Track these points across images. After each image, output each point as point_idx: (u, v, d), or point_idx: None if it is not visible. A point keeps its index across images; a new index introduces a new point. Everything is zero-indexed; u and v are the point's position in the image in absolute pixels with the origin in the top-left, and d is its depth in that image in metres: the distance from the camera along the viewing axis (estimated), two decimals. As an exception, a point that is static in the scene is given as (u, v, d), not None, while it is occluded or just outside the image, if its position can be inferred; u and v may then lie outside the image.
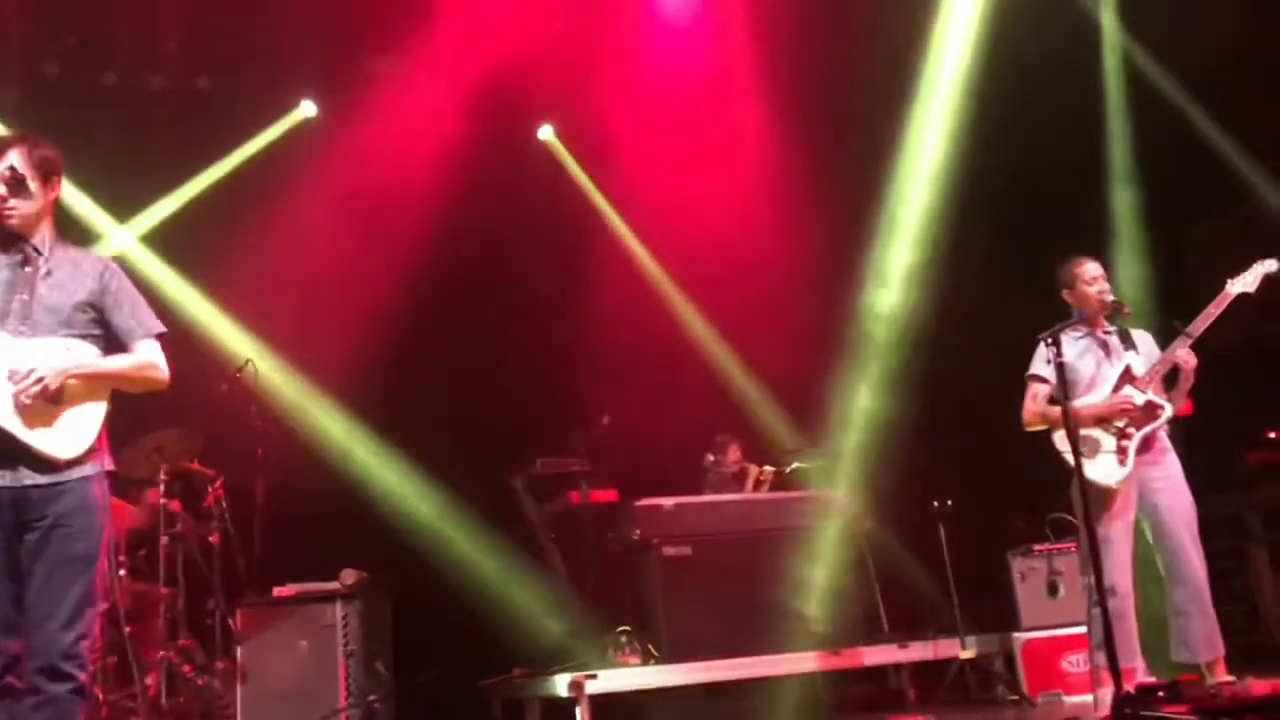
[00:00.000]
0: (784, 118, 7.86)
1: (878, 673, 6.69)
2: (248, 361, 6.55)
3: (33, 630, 3.42)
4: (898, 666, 6.51)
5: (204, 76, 7.44)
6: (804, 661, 5.87)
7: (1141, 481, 4.78)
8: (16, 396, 3.42)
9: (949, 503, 6.26)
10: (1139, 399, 4.77)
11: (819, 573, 6.10)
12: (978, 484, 6.96)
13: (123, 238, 7.51)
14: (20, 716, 3.39)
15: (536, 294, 7.95)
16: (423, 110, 7.49)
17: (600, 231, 8.51)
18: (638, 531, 6.25)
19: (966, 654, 6.04)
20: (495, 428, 7.53)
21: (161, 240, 7.60)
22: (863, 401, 7.48)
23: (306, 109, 7.90)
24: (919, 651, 6.10)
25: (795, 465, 7.27)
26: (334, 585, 5.96)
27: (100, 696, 5.20)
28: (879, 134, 7.84)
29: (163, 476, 6.09)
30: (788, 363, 7.76)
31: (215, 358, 7.15)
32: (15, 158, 3.56)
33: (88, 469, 3.54)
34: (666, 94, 7.80)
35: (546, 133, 8.54)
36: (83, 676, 3.49)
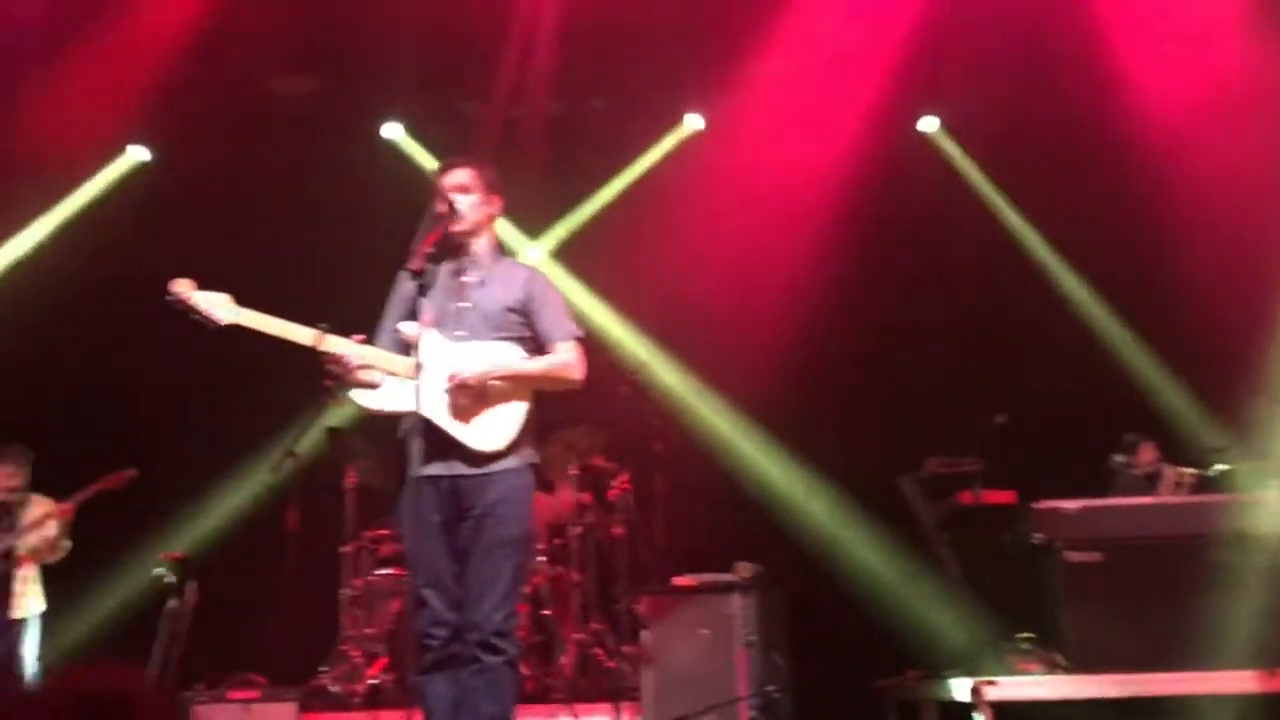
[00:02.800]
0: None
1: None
2: (644, 363, 6.96)
3: (471, 607, 3.84)
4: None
5: (598, 98, 7.99)
6: (1237, 681, 5.32)
7: None
8: (450, 396, 3.75)
9: None
10: None
11: (1251, 584, 5.51)
12: None
13: (534, 253, 8.24)
14: (463, 681, 3.81)
15: (926, 290, 7.78)
16: (804, 109, 7.57)
17: (992, 223, 8.14)
18: (1038, 535, 5.94)
19: None
20: (885, 426, 7.44)
21: (567, 253, 8.18)
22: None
23: (693, 122, 8.25)
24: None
25: (1220, 466, 6.61)
26: (732, 577, 6.15)
27: (525, 671, 5.68)
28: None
29: (573, 471, 6.59)
30: (1211, 350, 7.08)
31: (616, 360, 7.55)
32: (465, 175, 3.95)
33: (512, 461, 3.83)
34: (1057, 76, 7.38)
35: (930, 124, 8.33)
36: (513, 651, 3.87)
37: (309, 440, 6.12)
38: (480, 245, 4.01)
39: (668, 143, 8.16)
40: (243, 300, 3.70)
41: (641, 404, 6.71)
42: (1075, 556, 5.74)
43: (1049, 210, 7.93)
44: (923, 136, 8.24)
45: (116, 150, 7.91)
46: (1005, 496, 6.67)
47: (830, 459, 7.51)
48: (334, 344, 3.68)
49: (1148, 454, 7.03)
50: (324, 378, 3.69)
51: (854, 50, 7.39)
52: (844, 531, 7.43)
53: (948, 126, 8.16)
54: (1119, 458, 7.02)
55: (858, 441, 7.41)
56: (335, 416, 6.52)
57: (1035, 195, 7.86)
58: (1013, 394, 6.98)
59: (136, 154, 7.92)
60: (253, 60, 7.41)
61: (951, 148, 8.20)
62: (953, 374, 7.43)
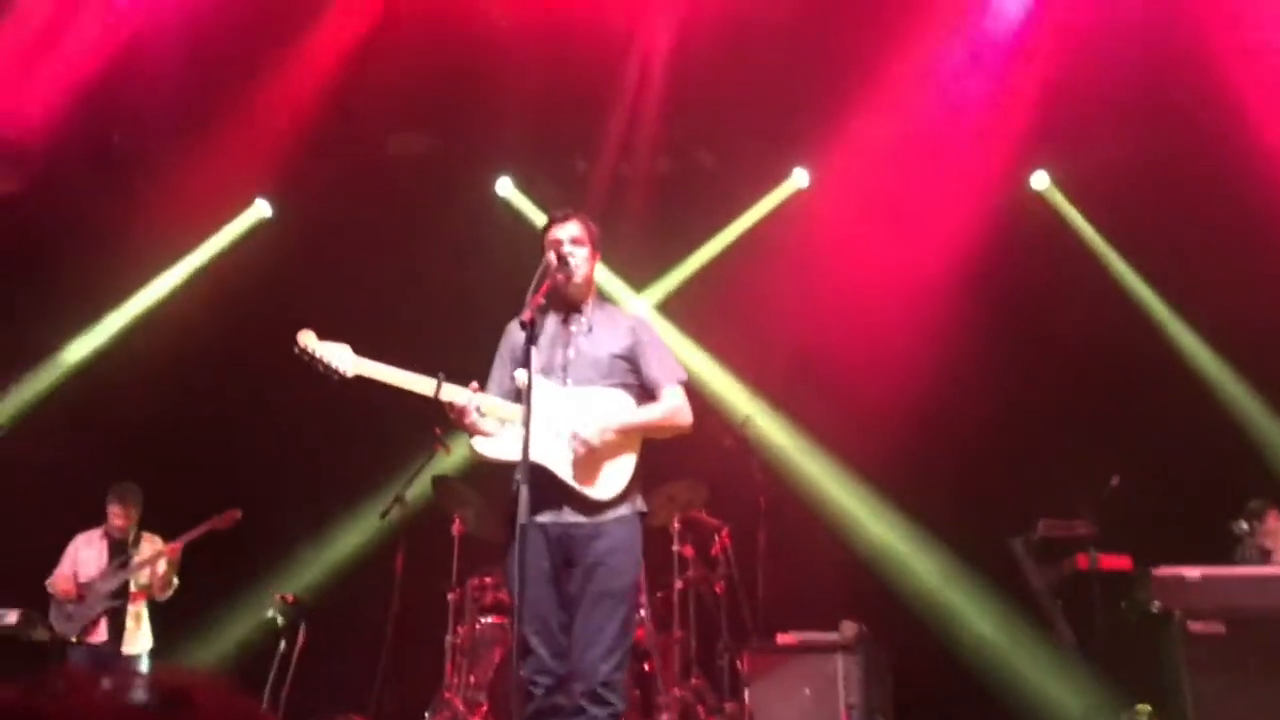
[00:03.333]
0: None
1: None
2: (748, 417, 6.93)
3: (578, 656, 3.81)
4: None
5: (706, 153, 8.09)
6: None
7: None
8: (574, 447, 3.76)
9: None
10: None
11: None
12: None
13: (640, 306, 8.33)
14: (565, 732, 3.80)
15: (1040, 347, 7.62)
16: (907, 168, 7.55)
17: (1106, 280, 7.98)
18: (1157, 603, 5.74)
19: None
20: (996, 485, 7.27)
21: (672, 307, 8.23)
22: None
23: (799, 178, 8.29)
24: None
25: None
26: (835, 636, 6.04)
27: (627, 725, 5.63)
28: None
29: (675, 524, 6.58)
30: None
31: (720, 414, 7.51)
32: (577, 228, 4.04)
33: (623, 510, 3.84)
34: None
35: (1042, 181, 8.23)
36: (620, 705, 3.84)
37: (417, 488, 6.19)
38: (587, 295, 4.07)
39: (774, 198, 8.21)
40: (359, 349, 3.76)
41: (745, 458, 6.67)
42: (1198, 627, 5.54)
43: (1165, 266, 7.73)
44: (1035, 193, 8.13)
45: (245, 204, 8.26)
46: (1121, 562, 6.46)
47: (939, 517, 7.36)
48: (451, 392, 3.74)
49: (1274, 521, 6.74)
50: (449, 421, 3.76)
51: (964, 106, 7.37)
52: (952, 593, 7.25)
53: (1059, 182, 8.03)
54: (1243, 524, 6.75)
55: (967, 500, 7.26)
56: (442, 465, 6.62)
57: (1151, 251, 7.72)
58: (1129, 455, 6.77)
59: (262, 208, 8.25)
60: (373, 119, 7.69)
61: (1063, 203, 8.07)
62: (1066, 433, 7.27)
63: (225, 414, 7.79)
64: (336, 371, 3.70)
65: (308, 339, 3.71)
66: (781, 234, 7.98)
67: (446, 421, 3.92)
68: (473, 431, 3.77)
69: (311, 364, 3.71)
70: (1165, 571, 5.74)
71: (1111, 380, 7.33)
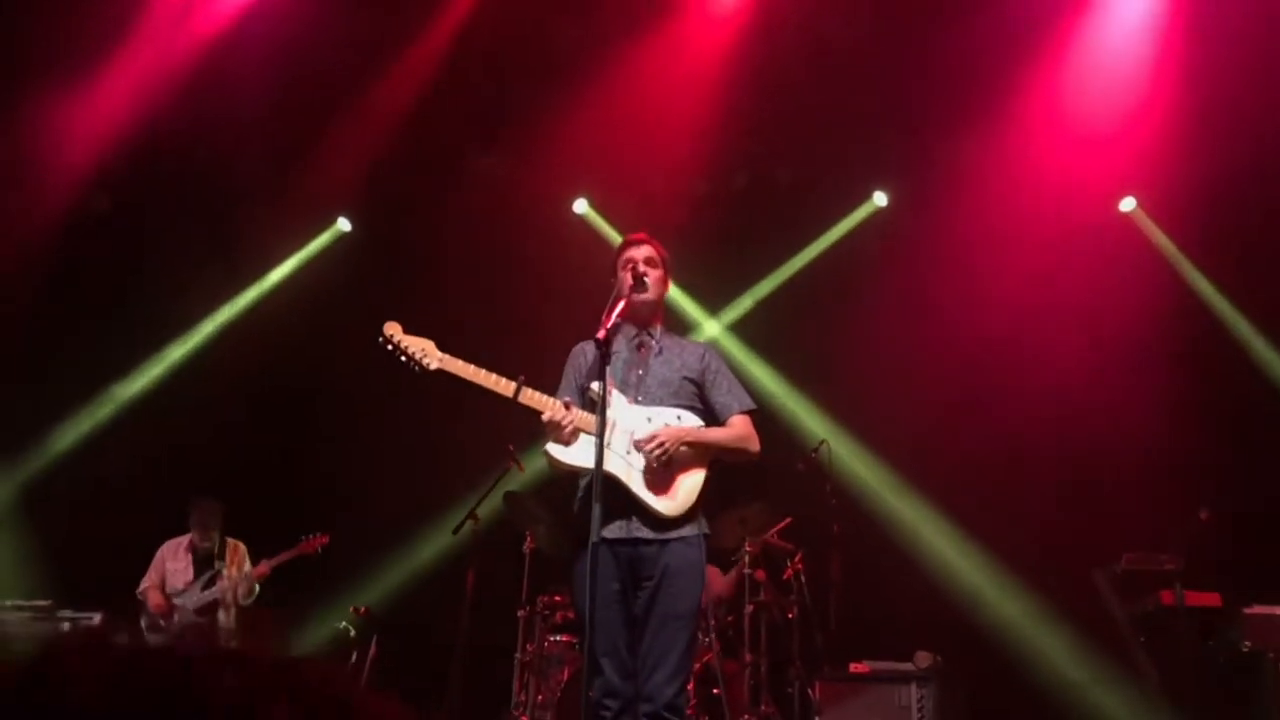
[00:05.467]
0: None
1: None
2: (822, 442, 6.82)
3: (644, 678, 3.77)
4: None
5: (783, 170, 8.04)
6: None
7: None
8: (646, 458, 3.74)
9: None
10: None
11: None
12: None
13: (713, 328, 8.23)
14: (631, 754, 3.76)
15: (1127, 374, 7.38)
16: (994, 193, 7.43)
17: (1196, 305, 7.70)
18: (1248, 642, 5.53)
19: None
20: (1080, 516, 7.05)
21: (747, 328, 8.16)
22: None
23: (878, 199, 8.21)
24: None
25: None
26: (909, 666, 5.91)
27: (692, 750, 5.57)
28: None
29: (747, 548, 6.50)
30: None
31: (793, 438, 7.41)
32: (650, 249, 4.07)
33: (688, 530, 3.81)
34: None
35: (1129, 204, 8.02)
36: (685, 726, 3.81)
37: (490, 503, 6.19)
38: (658, 317, 4.10)
39: (853, 219, 8.12)
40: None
41: (819, 483, 6.58)
42: (1291, 669, 5.31)
43: (1258, 294, 7.47)
44: (1123, 215, 7.92)
45: (328, 222, 8.40)
46: (1209, 599, 6.23)
47: (1020, 547, 7.10)
48: (531, 397, 3.75)
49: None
50: (525, 434, 3.85)
51: (1049, 128, 7.21)
52: (1031, 624, 7.06)
53: (1146, 207, 7.82)
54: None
55: (1050, 531, 7.00)
56: (515, 482, 6.65)
57: (1243, 278, 7.46)
58: (1219, 488, 6.54)
59: (342, 225, 8.39)
60: (452, 137, 7.78)
61: (1151, 226, 7.84)
62: (1154, 464, 6.97)
63: (305, 427, 7.91)
64: (419, 363, 3.71)
65: (393, 329, 3.73)
66: (860, 255, 7.86)
67: (522, 435, 3.98)
68: (561, 440, 3.75)
69: (394, 354, 3.73)
70: (1258, 610, 5.53)
71: (1202, 412, 7.07)
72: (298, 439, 7.80)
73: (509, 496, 6.41)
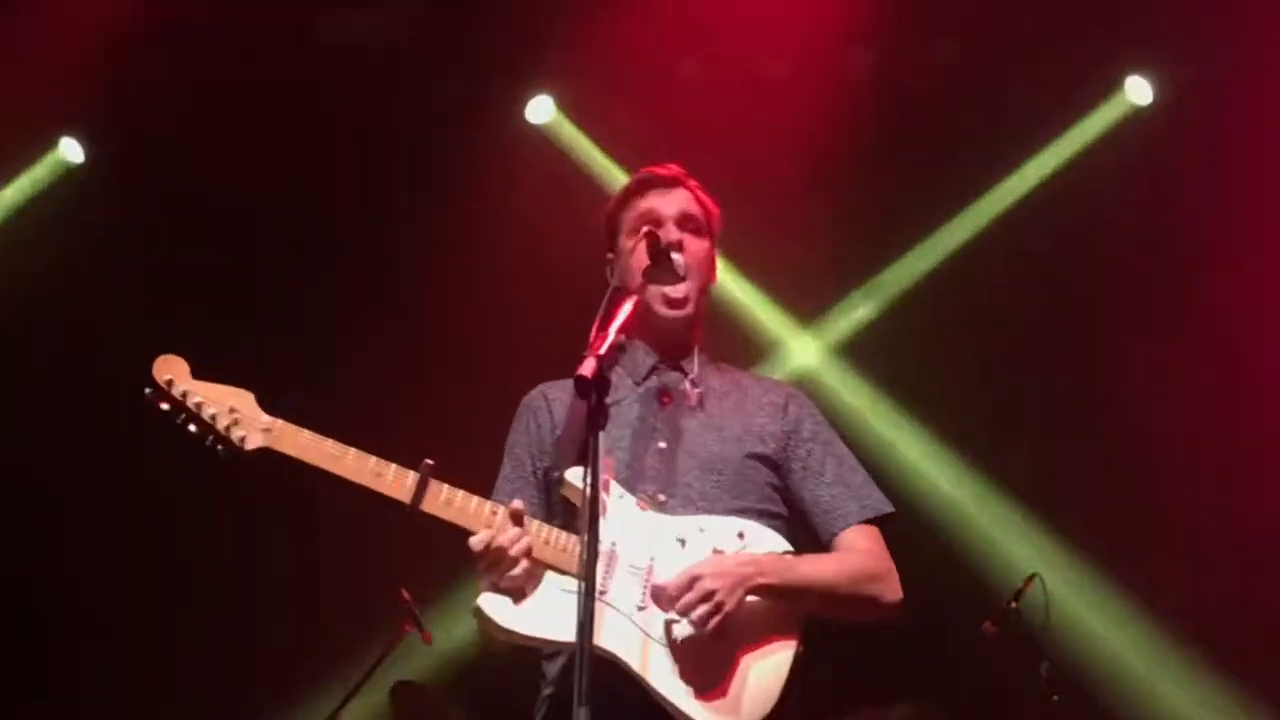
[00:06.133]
0: None
1: None
2: (1032, 577, 4.48)
3: None
4: None
5: (948, 44, 5.19)
6: None
7: None
8: (677, 624, 2.44)
9: None
10: None
11: None
12: None
13: (806, 352, 5.66)
14: None
15: None
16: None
17: None
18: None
19: None
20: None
21: (868, 353, 5.60)
22: None
23: (1134, 91, 5.37)
24: None
25: None
26: None
27: None
28: None
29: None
30: None
31: (970, 569, 5.17)
32: (687, 199, 2.70)
33: (764, 769, 2.60)
34: None
35: None
36: None
37: (366, 704, 4.48)
38: (698, 331, 2.76)
39: (1082, 132, 5.38)
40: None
41: (1027, 656, 4.33)
42: None
43: None
44: None
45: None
46: None
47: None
48: (446, 500, 2.47)
49: None
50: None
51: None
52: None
53: None
54: None
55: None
56: (413, 663, 4.79)
57: None
58: None
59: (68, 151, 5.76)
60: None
61: None
62: None
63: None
64: (223, 438, 2.44)
65: (171, 370, 2.43)
66: (1091, 205, 5.24)
67: (426, 571, 3.64)
68: (505, 586, 2.44)
69: (174, 418, 2.44)
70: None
71: None
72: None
73: (401, 692, 4.66)
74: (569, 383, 2.46)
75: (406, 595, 4.37)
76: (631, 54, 5.40)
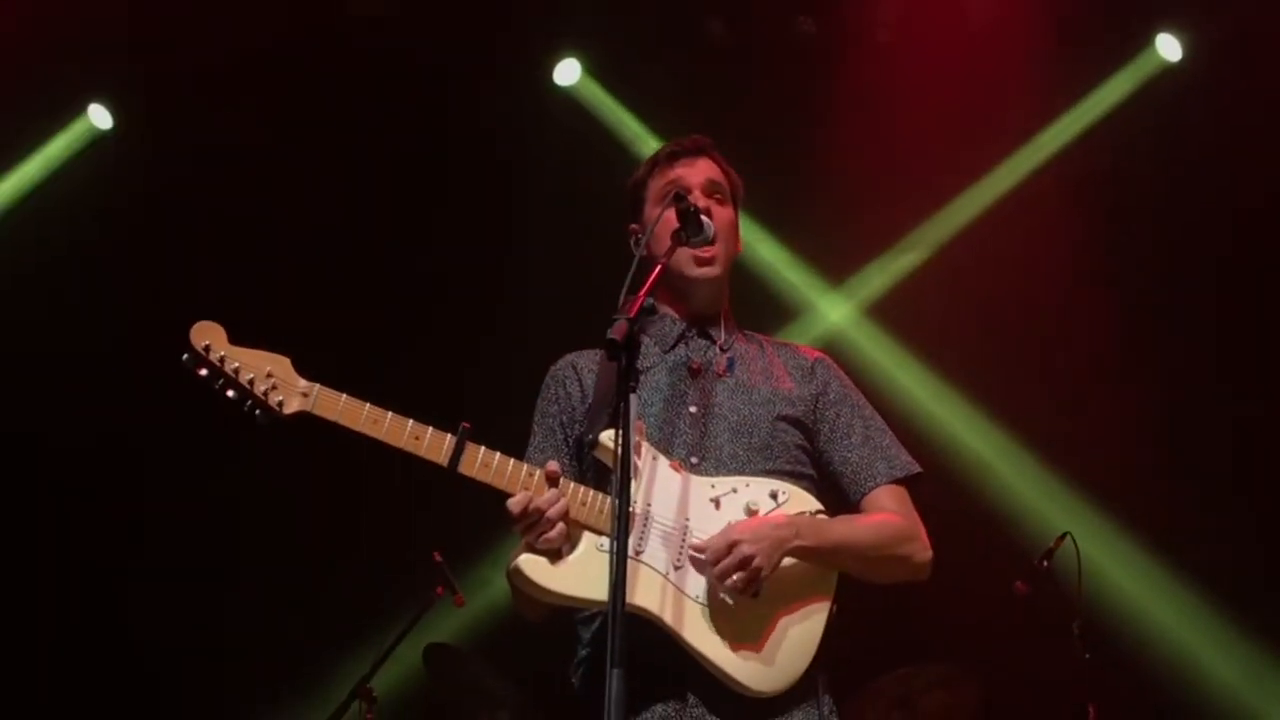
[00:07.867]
0: None
1: None
2: (1064, 535, 4.35)
3: None
4: None
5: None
6: None
7: None
8: (714, 584, 2.41)
9: None
10: None
11: None
12: None
13: (837, 312, 5.49)
14: None
15: None
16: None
17: None
18: None
19: None
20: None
21: (894, 312, 5.42)
22: None
23: (1165, 48, 5.15)
24: None
25: None
26: None
27: None
28: None
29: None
30: None
31: (1001, 528, 5.01)
32: (711, 168, 2.72)
33: (800, 717, 2.52)
34: None
35: None
36: None
37: (399, 666, 4.40)
38: (723, 300, 2.77)
39: (1112, 89, 5.25)
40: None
41: (1059, 617, 4.21)
42: None
43: None
44: None
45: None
46: None
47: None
48: (483, 461, 2.42)
49: None
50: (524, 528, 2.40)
51: None
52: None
53: None
54: None
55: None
56: (447, 625, 4.76)
57: None
58: None
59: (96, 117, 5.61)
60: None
61: None
62: None
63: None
64: (262, 403, 2.41)
65: (208, 336, 2.40)
66: (1122, 162, 5.12)
67: (462, 532, 3.73)
68: (541, 546, 2.41)
69: (211, 383, 2.41)
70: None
71: None
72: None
73: (434, 654, 4.48)
74: (596, 352, 2.55)
75: (438, 558, 4.32)
76: (659, 14, 5.18)
